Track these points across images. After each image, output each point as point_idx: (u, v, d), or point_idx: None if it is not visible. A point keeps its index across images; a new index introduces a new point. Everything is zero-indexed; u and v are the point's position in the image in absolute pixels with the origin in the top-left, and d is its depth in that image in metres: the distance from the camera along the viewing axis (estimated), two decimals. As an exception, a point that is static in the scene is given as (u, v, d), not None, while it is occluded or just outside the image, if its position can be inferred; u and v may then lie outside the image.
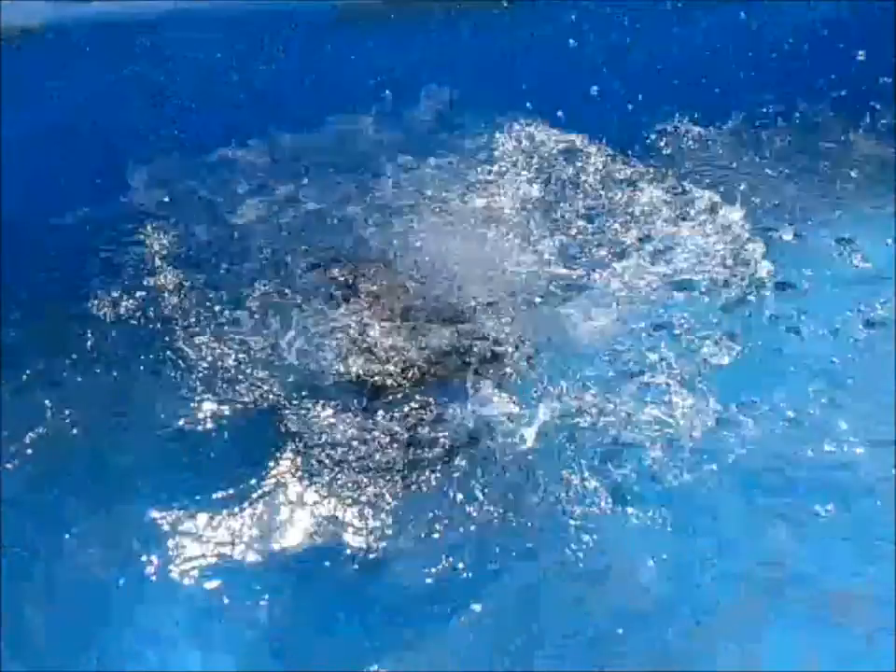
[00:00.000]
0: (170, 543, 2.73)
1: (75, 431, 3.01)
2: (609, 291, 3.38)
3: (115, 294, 3.40)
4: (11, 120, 3.94)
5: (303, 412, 3.01)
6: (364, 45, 4.44)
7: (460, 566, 2.66)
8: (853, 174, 4.06)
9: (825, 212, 3.82)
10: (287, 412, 3.01)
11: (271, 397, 3.06)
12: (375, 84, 4.36)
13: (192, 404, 3.05)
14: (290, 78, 4.41)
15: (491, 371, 3.11)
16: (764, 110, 4.37)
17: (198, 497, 2.83)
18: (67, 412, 3.05)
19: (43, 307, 3.43)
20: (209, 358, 3.18)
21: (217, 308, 3.36)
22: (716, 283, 3.40)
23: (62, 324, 3.34)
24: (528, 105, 4.16)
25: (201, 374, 3.14)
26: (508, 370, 3.12)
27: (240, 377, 3.13)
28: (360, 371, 3.13)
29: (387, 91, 4.34)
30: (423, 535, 2.73)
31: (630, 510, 2.74)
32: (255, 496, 2.83)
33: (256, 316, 3.32)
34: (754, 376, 3.08)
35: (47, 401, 3.07)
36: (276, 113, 4.30)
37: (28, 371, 3.18)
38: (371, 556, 2.69)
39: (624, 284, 3.40)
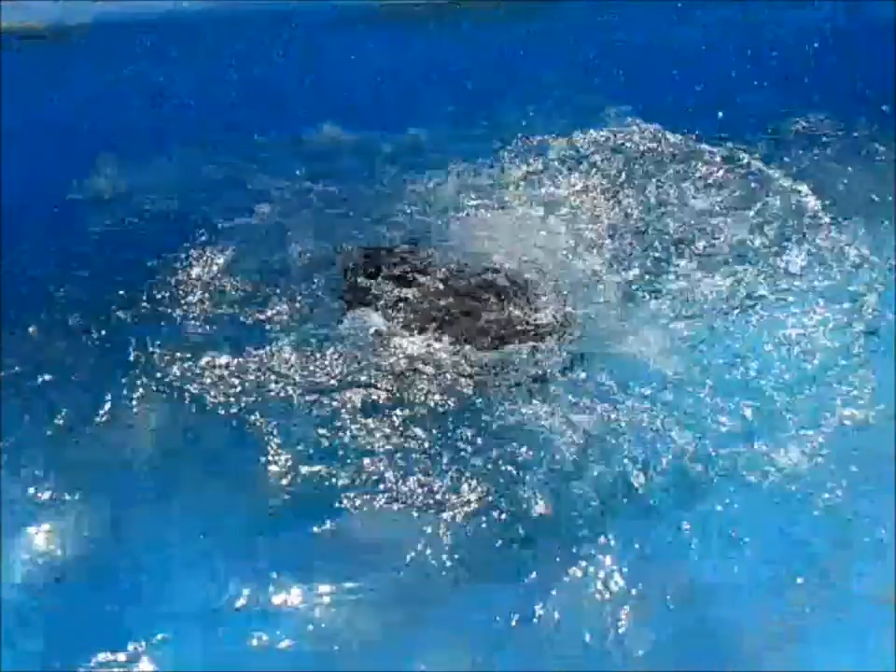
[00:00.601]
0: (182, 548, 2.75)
1: (75, 425, 3.01)
2: (666, 303, 3.34)
3: (119, 293, 3.41)
4: (11, 120, 3.94)
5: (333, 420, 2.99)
6: (364, 45, 4.45)
7: (468, 565, 2.68)
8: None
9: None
10: (315, 421, 2.99)
11: (294, 404, 3.04)
12: (375, 84, 4.37)
13: (207, 407, 3.04)
14: (290, 78, 4.41)
15: (537, 382, 3.09)
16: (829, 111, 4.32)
17: (213, 505, 2.84)
18: (66, 409, 3.05)
19: (43, 305, 3.42)
20: (218, 361, 3.17)
21: (220, 306, 3.37)
22: (778, 298, 3.36)
23: (63, 321, 3.34)
24: (529, 105, 4.19)
25: (213, 376, 3.13)
26: (554, 381, 3.08)
27: (249, 380, 3.11)
28: (399, 381, 3.10)
29: (387, 92, 4.36)
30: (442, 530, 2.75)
31: (646, 519, 2.76)
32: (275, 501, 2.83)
33: (261, 321, 3.32)
34: (788, 395, 3.05)
35: (46, 400, 3.08)
36: (276, 113, 4.31)
37: (28, 368, 3.18)
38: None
39: (683, 296, 3.36)
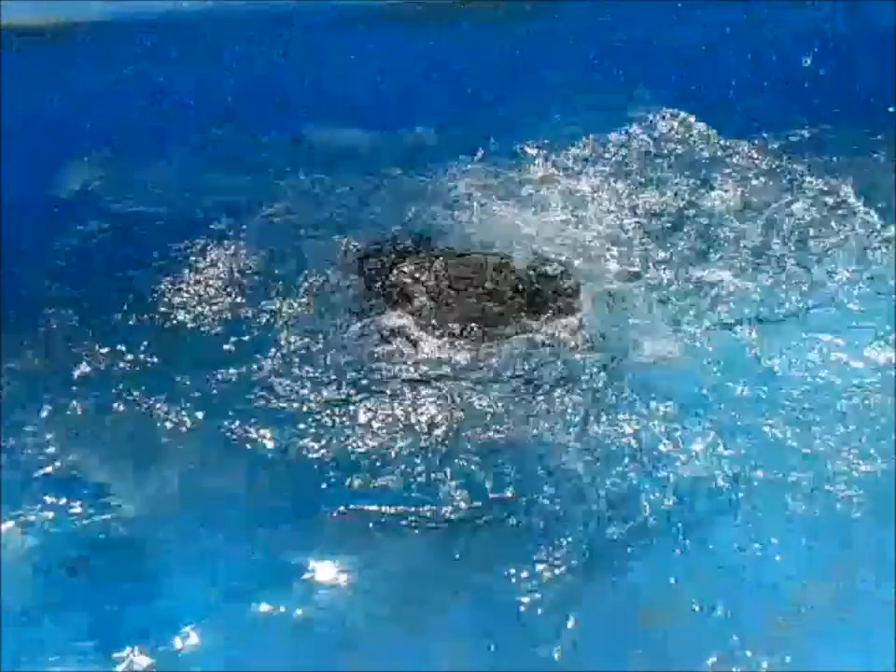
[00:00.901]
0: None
1: (75, 424, 3.01)
2: (682, 312, 3.31)
3: (119, 293, 3.41)
4: (11, 119, 3.94)
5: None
6: (364, 46, 4.46)
7: (469, 568, 2.68)
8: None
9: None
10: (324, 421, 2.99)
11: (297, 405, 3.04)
12: (375, 84, 4.38)
13: (208, 407, 3.05)
14: (290, 78, 4.42)
15: (553, 388, 3.07)
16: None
17: (213, 505, 2.84)
18: (66, 408, 3.05)
19: (43, 305, 3.42)
20: (219, 361, 3.17)
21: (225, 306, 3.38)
22: (813, 307, 3.32)
23: (63, 321, 3.34)
24: (529, 106, 4.19)
25: (214, 377, 3.13)
26: (573, 389, 3.06)
27: (251, 381, 3.11)
28: (411, 383, 3.10)
29: (386, 92, 4.37)
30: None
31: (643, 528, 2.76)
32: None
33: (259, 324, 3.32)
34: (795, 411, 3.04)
35: (46, 399, 3.08)
36: (277, 113, 4.31)
37: (28, 368, 3.18)
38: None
39: (699, 305, 3.32)
